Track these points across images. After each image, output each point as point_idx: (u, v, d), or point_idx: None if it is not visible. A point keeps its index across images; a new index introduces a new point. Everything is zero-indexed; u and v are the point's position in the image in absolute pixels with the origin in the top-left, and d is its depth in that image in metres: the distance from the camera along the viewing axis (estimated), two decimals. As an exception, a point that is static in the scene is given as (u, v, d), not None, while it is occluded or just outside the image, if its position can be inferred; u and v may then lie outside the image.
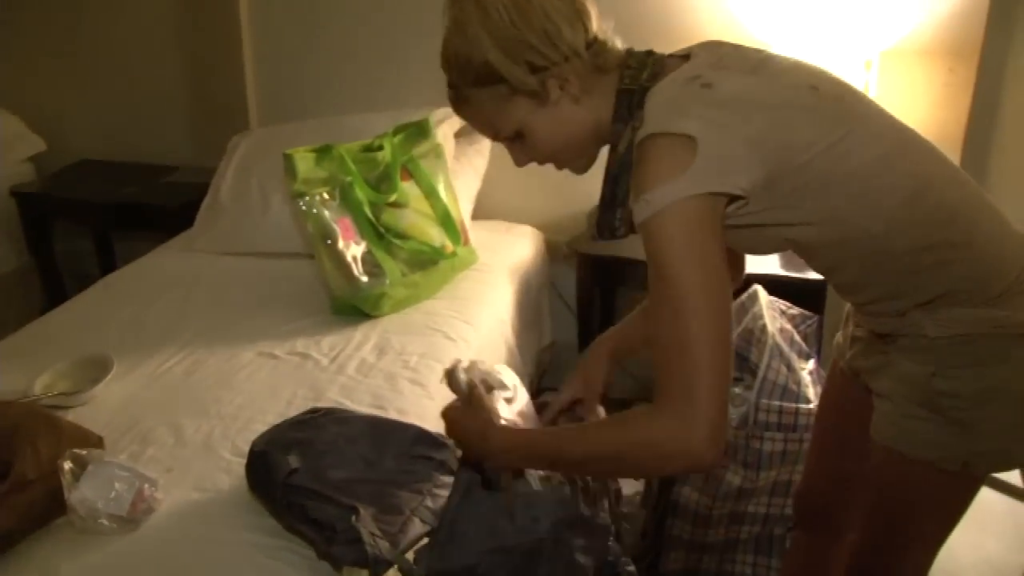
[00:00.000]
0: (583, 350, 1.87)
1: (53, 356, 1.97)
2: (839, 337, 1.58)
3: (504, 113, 1.28)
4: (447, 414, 1.47)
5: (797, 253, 1.32)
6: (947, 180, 1.27)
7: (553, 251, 2.93)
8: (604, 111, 1.27)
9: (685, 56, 1.28)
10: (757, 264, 2.23)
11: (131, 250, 2.85)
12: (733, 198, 1.17)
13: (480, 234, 2.67)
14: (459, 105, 1.32)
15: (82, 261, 3.38)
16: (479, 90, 1.26)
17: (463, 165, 2.77)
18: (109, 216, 3.14)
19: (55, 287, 3.25)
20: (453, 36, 1.26)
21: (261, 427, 1.65)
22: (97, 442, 1.61)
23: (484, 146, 2.88)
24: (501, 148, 3.05)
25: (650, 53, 1.29)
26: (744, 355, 2.10)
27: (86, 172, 3.33)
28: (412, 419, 1.72)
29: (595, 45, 1.26)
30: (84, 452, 1.49)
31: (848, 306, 1.54)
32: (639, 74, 1.25)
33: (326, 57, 3.05)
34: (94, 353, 1.97)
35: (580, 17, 1.24)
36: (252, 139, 2.88)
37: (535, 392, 2.58)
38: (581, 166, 1.36)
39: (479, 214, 2.84)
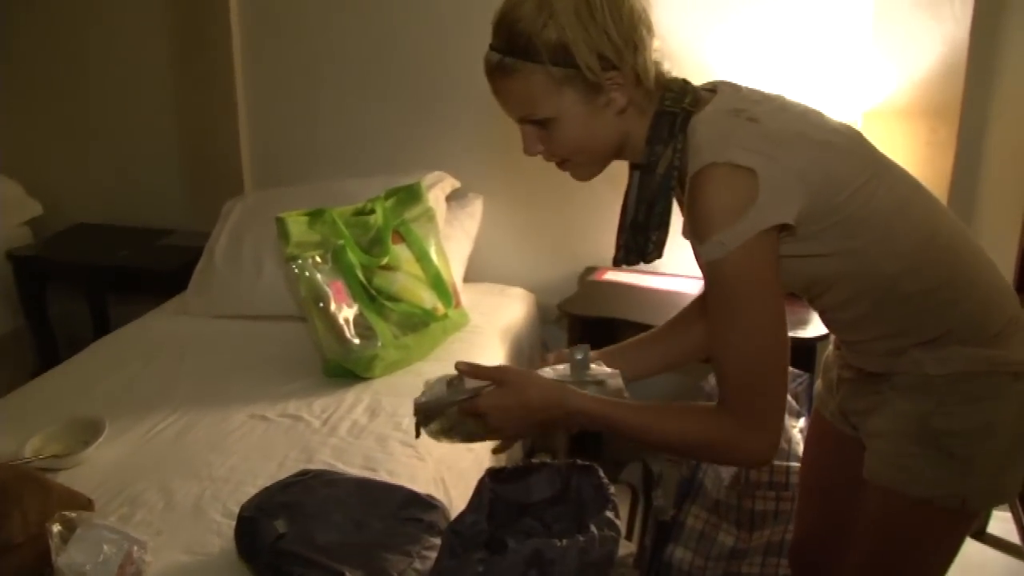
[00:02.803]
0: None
1: (45, 419, 1.96)
2: (819, 385, 1.59)
3: (550, 97, 1.22)
4: (486, 409, 1.29)
5: (803, 291, 1.34)
6: (951, 225, 1.32)
7: (544, 313, 2.93)
8: (636, 128, 1.26)
9: (711, 90, 1.28)
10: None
11: (125, 313, 2.85)
12: (781, 228, 1.19)
13: (471, 296, 2.69)
14: (500, 73, 1.24)
15: (76, 324, 3.37)
16: (535, 65, 1.20)
17: (454, 228, 2.79)
18: (104, 279, 3.16)
19: (48, 350, 3.23)
20: (526, 4, 1.20)
21: (252, 489, 1.65)
22: (87, 504, 1.61)
23: (476, 209, 2.90)
24: (492, 211, 3.04)
25: (686, 80, 1.28)
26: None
27: (82, 236, 3.35)
28: (403, 481, 1.73)
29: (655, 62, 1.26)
30: (73, 515, 1.48)
31: (828, 353, 1.55)
32: (681, 99, 1.24)
33: (319, 123, 3.09)
34: (86, 415, 1.97)
35: (652, 29, 1.24)
36: (246, 203, 2.90)
37: (528, 456, 2.57)
38: (589, 173, 1.32)
39: (470, 277, 2.86)
